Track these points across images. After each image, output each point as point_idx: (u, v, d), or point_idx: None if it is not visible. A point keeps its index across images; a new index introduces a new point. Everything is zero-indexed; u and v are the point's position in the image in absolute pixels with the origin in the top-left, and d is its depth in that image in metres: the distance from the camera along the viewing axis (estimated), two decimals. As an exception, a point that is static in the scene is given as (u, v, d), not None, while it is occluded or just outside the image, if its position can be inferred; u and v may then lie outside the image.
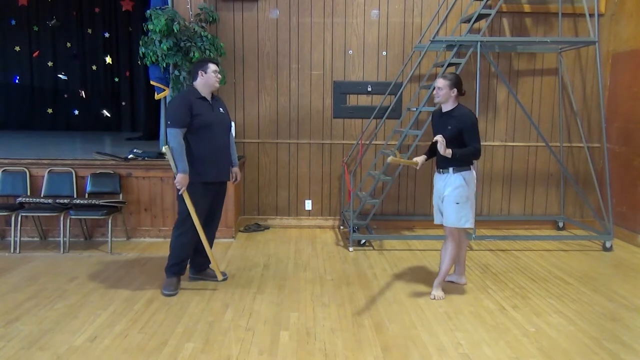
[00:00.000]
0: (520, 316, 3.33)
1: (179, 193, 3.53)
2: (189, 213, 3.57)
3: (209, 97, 3.66)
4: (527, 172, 5.79)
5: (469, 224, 3.56)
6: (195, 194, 3.56)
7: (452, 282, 3.88)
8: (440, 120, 3.62)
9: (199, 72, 3.61)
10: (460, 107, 3.56)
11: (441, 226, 3.73)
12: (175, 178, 3.53)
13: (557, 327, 3.16)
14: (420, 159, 3.66)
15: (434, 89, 4.85)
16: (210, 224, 3.83)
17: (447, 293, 3.72)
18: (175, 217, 3.75)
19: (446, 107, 3.59)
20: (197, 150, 3.56)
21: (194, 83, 3.65)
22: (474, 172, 3.61)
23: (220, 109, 3.78)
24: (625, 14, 5.39)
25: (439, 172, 3.66)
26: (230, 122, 3.92)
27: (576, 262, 4.57)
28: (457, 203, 3.52)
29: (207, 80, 3.61)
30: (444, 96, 3.53)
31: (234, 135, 5.21)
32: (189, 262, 3.88)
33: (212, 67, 3.62)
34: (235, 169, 3.93)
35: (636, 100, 5.16)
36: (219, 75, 3.68)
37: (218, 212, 3.89)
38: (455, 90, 3.52)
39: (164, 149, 3.57)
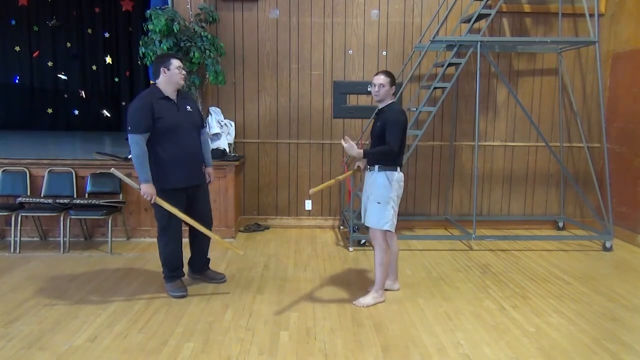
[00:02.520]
0: (520, 316, 3.33)
1: (151, 202, 3.36)
2: (168, 219, 3.42)
3: (173, 96, 3.42)
4: (527, 172, 5.79)
5: (388, 226, 3.41)
6: (167, 202, 3.37)
7: (386, 289, 3.64)
8: (377, 118, 3.51)
9: (161, 68, 3.36)
10: (395, 103, 3.49)
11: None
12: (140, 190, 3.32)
13: (557, 327, 3.16)
14: (362, 163, 3.59)
15: (433, 89, 4.92)
16: (199, 232, 3.62)
17: (446, 294, 3.72)
18: None
19: (383, 104, 3.49)
20: (164, 155, 3.34)
21: (157, 81, 3.41)
22: (401, 174, 3.46)
23: (188, 107, 3.52)
24: (625, 14, 5.39)
25: (368, 170, 3.54)
26: (202, 120, 3.67)
27: (576, 262, 4.57)
28: (379, 203, 3.40)
29: (170, 78, 3.36)
30: (385, 93, 3.42)
31: (234, 134, 5.21)
32: (188, 265, 3.86)
33: (175, 62, 3.36)
34: (209, 169, 3.74)
35: (636, 100, 5.16)
36: (184, 72, 3.43)
37: (204, 217, 3.67)
38: (393, 87, 3.45)
39: (111, 170, 3.38)
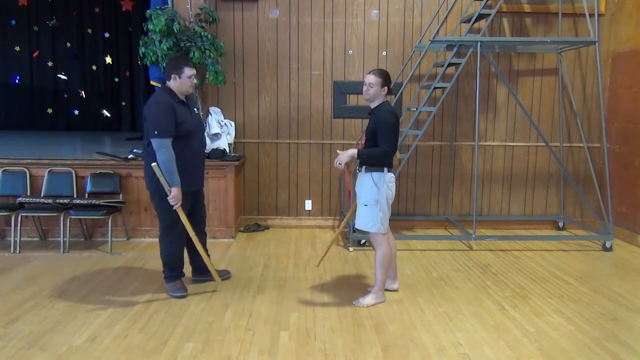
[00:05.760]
0: (520, 316, 3.33)
1: (174, 208, 3.34)
2: (174, 220, 3.43)
3: (184, 99, 3.44)
4: (527, 172, 5.79)
5: (376, 228, 3.35)
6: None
7: (385, 289, 3.60)
8: (369, 118, 3.46)
9: (172, 74, 3.31)
10: (385, 104, 3.38)
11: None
12: (161, 193, 3.32)
13: (557, 327, 3.17)
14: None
15: (434, 89, 4.92)
16: (197, 234, 3.65)
17: (446, 294, 3.72)
18: None
19: (374, 105, 3.43)
20: (179, 160, 3.31)
21: (168, 83, 3.37)
22: (390, 175, 3.38)
23: (195, 109, 3.54)
24: (625, 14, 5.39)
25: (357, 170, 3.49)
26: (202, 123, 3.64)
27: (576, 262, 4.57)
28: (366, 205, 3.36)
29: (180, 85, 3.34)
30: (375, 94, 3.35)
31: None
32: (190, 266, 3.86)
33: (187, 72, 3.31)
34: None
35: (636, 100, 5.16)
36: (194, 80, 3.38)
37: (202, 219, 3.74)
38: (386, 88, 3.35)
39: (152, 166, 3.28)
